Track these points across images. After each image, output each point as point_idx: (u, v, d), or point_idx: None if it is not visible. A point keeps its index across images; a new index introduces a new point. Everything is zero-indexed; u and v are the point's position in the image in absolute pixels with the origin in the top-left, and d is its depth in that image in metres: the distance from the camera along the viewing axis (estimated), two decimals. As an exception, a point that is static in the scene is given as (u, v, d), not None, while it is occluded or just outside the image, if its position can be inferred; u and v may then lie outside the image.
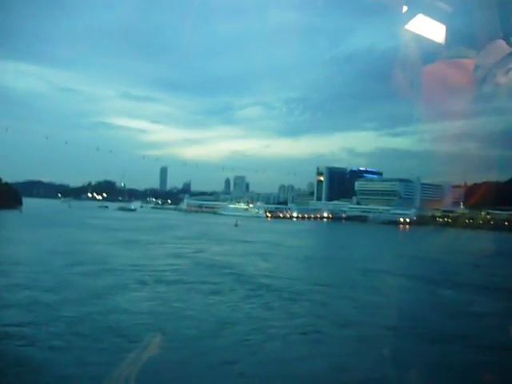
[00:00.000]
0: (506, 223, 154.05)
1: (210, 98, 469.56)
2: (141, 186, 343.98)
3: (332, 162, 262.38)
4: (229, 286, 31.38)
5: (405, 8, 4.32)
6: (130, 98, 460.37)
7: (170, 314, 23.44)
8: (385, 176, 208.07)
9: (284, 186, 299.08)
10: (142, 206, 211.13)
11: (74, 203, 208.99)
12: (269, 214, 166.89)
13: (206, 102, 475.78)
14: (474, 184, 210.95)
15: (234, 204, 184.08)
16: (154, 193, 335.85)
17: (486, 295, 32.23)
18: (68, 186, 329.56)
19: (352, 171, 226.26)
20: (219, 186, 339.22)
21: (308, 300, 28.07)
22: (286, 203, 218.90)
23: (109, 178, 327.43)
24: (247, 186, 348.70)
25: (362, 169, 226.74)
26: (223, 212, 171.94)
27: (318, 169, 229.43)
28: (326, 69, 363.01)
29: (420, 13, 4.28)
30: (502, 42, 3.71)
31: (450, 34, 4.24)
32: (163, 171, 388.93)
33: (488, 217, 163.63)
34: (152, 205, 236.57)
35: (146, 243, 56.84)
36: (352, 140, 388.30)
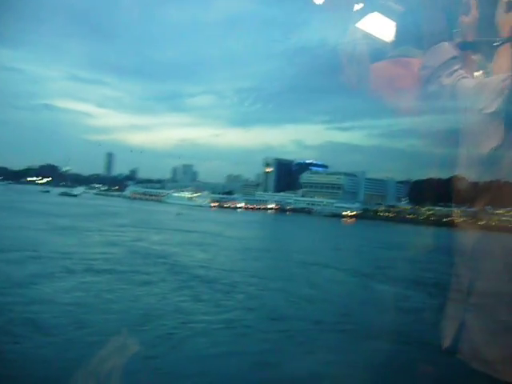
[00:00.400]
0: (445, 219, 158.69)
1: (160, 84, 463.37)
2: (86, 171, 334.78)
3: (281, 153, 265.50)
4: (161, 277, 30.49)
5: (357, 5, 4.42)
6: (77, 80, 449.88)
7: (93, 305, 22.36)
8: (332, 170, 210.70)
9: (232, 176, 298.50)
10: (85, 192, 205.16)
11: (13, 187, 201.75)
12: (214, 204, 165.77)
13: (156, 88, 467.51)
14: (418, 180, 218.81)
15: (179, 193, 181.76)
16: (100, 178, 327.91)
17: (418, 290, 32.61)
18: (7, 169, 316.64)
19: (299, 163, 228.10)
20: (166, 174, 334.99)
21: (241, 292, 27.53)
22: (232, 193, 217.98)
23: (52, 162, 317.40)
24: (195, 174, 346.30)
25: (308, 161, 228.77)
26: (168, 200, 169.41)
27: (265, 160, 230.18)
28: (278, 60, 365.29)
29: (372, 11, 4.39)
30: (447, 45, 3.81)
31: (399, 32, 4.35)
32: (109, 157, 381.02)
33: (429, 212, 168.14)
34: (96, 191, 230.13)
35: (83, 230, 54.86)
36: (302, 132, 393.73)
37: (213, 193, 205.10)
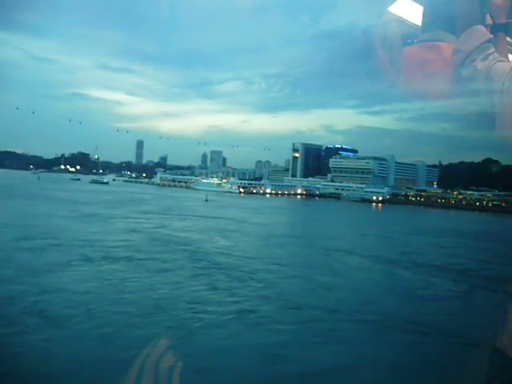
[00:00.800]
0: (478, 203, 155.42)
1: (189, 71, 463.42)
2: (116, 159, 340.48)
3: (310, 138, 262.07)
4: (179, 264, 30.05)
5: None
6: (107, 69, 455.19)
7: (106, 295, 21.99)
8: (362, 154, 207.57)
9: (261, 162, 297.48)
10: (114, 180, 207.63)
11: (45, 175, 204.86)
12: (242, 190, 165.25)
13: (185, 75, 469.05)
14: (450, 164, 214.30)
15: (208, 179, 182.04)
16: (130, 166, 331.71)
17: (443, 277, 31.41)
18: (41, 158, 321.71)
19: (328, 148, 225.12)
20: (196, 161, 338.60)
21: (259, 280, 26.77)
22: (261, 179, 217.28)
23: (83, 151, 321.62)
24: (224, 161, 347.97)
25: (337, 146, 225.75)
26: (196, 187, 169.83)
27: (293, 145, 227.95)
28: (306, 45, 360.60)
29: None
30: (481, 28, 3.83)
31: (430, 16, 4.32)
32: (139, 144, 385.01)
33: (460, 197, 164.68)
34: (126, 178, 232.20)
35: (107, 217, 54.96)
36: (331, 117, 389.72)
37: (241, 179, 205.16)
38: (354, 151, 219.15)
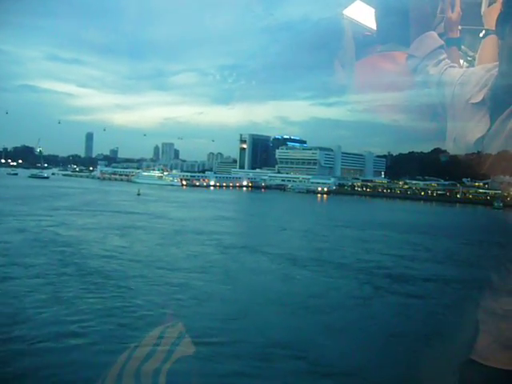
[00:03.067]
0: (423, 193, 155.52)
1: (143, 62, 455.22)
2: (66, 152, 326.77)
3: (266, 130, 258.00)
4: (36, 271, 25.37)
5: None
6: (58, 60, 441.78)
7: None
8: (318, 145, 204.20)
9: (212, 154, 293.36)
10: (53, 174, 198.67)
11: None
12: (184, 183, 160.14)
13: (138, 66, 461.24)
14: (399, 154, 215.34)
15: (149, 172, 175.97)
16: (77, 159, 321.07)
17: (348, 278, 27.97)
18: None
19: (276, 139, 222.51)
20: (149, 154, 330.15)
21: (123, 290, 22.60)
22: (212, 171, 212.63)
23: (30, 144, 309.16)
24: (177, 153, 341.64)
25: (285, 137, 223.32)
26: (137, 180, 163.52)
27: (240, 136, 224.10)
28: (260, 37, 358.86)
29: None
30: (433, 34, 4.89)
31: (384, 21, 4.80)
32: (89, 137, 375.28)
33: (406, 186, 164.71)
34: (65, 172, 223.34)
35: (5, 215, 49.52)
36: (286, 109, 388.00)
37: (189, 171, 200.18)
38: (303, 142, 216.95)
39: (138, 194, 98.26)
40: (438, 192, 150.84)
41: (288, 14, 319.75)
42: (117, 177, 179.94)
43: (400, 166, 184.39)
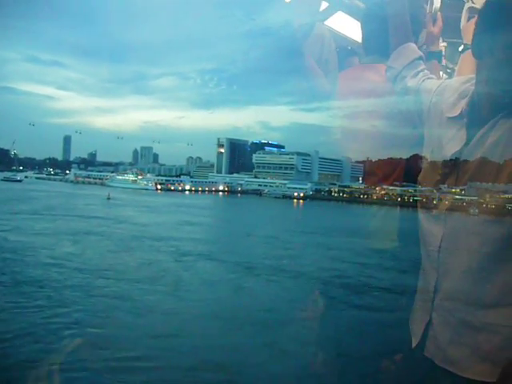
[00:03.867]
0: (399, 199, 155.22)
1: (123, 66, 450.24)
2: (45, 155, 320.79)
3: (247, 134, 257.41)
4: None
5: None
6: (37, 62, 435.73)
7: None
8: (298, 151, 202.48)
9: (192, 158, 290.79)
10: (26, 177, 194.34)
11: None
12: (159, 187, 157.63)
13: (119, 70, 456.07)
14: (378, 160, 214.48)
15: (123, 175, 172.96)
16: (54, 162, 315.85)
17: (303, 289, 26.41)
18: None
19: (254, 143, 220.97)
20: (128, 157, 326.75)
21: (52, 300, 20.88)
22: (191, 175, 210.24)
23: (3, 146, 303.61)
24: (156, 157, 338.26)
25: (264, 141, 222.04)
26: (111, 184, 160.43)
27: (218, 140, 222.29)
28: (241, 41, 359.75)
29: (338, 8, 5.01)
30: (412, 45, 4.08)
31: (365, 28, 4.81)
32: (66, 140, 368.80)
33: (382, 192, 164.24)
34: (38, 175, 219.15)
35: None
36: (267, 114, 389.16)
37: (167, 175, 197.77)
38: (281, 147, 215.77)
39: (108, 199, 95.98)
40: (415, 198, 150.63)
41: (269, 20, 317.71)
42: (91, 180, 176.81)
43: (378, 171, 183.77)
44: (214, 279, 27.80)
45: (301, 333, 19.42)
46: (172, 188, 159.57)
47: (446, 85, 3.75)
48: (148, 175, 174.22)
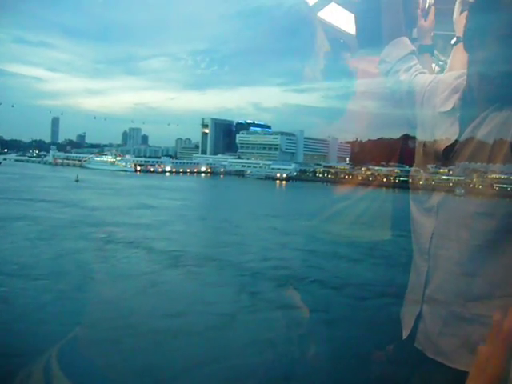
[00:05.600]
0: (385, 179, 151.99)
1: (112, 46, 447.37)
2: (34, 137, 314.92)
3: (238, 115, 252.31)
4: None
5: None
6: (25, 43, 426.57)
7: None
8: (287, 131, 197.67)
9: (181, 140, 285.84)
10: (5, 159, 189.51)
11: None
12: (138, 168, 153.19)
13: (108, 50, 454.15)
14: (368, 140, 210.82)
15: (101, 157, 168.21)
16: (41, 145, 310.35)
17: (233, 283, 22.78)
18: None
19: (239, 124, 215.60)
20: (118, 139, 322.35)
21: None
22: (176, 157, 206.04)
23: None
24: (146, 138, 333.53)
25: (249, 122, 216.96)
26: (88, 165, 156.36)
27: (202, 120, 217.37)
28: (232, 22, 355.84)
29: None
30: (405, 39, 4.01)
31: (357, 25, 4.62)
32: (54, 122, 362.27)
33: (368, 173, 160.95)
34: (16, 157, 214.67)
35: None
36: (258, 95, 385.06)
37: (153, 156, 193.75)
38: (267, 127, 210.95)
39: (77, 181, 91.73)
40: (401, 178, 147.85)
41: (260, 0, 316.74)
42: (70, 162, 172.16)
43: (367, 152, 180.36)
44: (128, 273, 23.82)
45: (205, 347, 15.74)
46: (152, 170, 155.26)
47: (439, 80, 3.70)
48: (127, 156, 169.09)
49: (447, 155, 3.52)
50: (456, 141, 3.36)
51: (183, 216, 46.81)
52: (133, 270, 24.44)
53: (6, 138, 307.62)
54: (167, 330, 16.59)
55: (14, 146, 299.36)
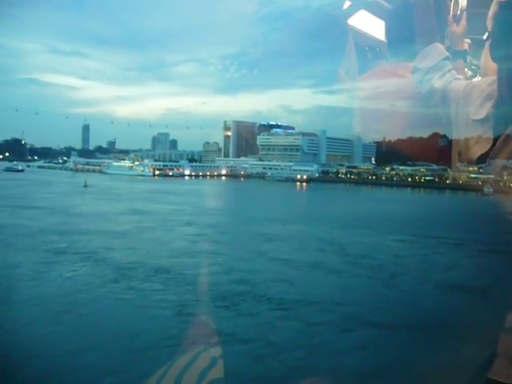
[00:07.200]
0: (410, 179, 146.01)
1: (143, 54, 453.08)
2: (64, 144, 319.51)
3: (269, 118, 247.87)
4: None
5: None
6: (58, 52, 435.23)
7: None
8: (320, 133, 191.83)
9: (208, 143, 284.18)
10: (28, 166, 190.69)
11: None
12: (156, 173, 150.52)
13: (139, 57, 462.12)
14: (398, 139, 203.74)
15: (119, 162, 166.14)
16: (71, 152, 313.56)
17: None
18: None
19: (261, 125, 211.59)
20: (148, 144, 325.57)
21: None
22: (201, 160, 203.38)
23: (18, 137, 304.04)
24: (175, 143, 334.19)
25: (272, 123, 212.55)
26: (107, 171, 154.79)
27: (225, 123, 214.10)
28: (261, 25, 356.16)
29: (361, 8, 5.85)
30: (439, 46, 4.72)
31: (388, 31, 5.75)
32: (85, 129, 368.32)
33: (392, 173, 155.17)
34: (40, 164, 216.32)
35: None
36: (288, 97, 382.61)
37: (173, 161, 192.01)
38: (290, 128, 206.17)
39: (85, 186, 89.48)
40: (427, 178, 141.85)
41: (288, 2, 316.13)
42: (90, 168, 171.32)
43: (394, 151, 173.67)
44: (50, 293, 20.32)
45: None
46: (170, 174, 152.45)
47: (474, 86, 4.18)
48: (145, 161, 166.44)
49: (480, 155, 4.50)
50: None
51: (168, 221, 43.46)
52: (60, 288, 21.08)
53: (37, 145, 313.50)
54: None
55: (45, 153, 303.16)
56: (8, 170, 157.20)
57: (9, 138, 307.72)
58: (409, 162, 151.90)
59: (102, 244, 31.01)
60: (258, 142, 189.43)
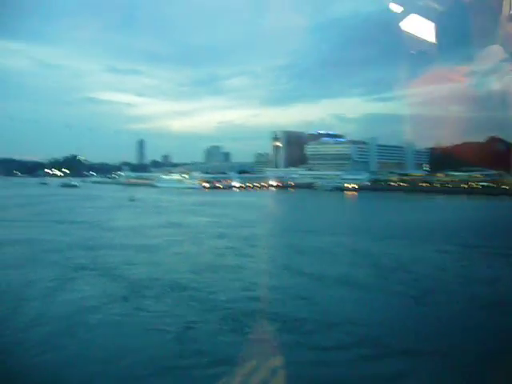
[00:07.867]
0: (465, 186, 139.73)
1: (195, 69, 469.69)
2: (121, 160, 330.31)
3: (321, 128, 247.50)
4: None
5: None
6: (115, 71, 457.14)
7: None
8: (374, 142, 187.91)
9: (260, 155, 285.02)
10: (84, 182, 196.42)
11: (18, 180, 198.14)
12: (206, 185, 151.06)
13: (192, 73, 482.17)
14: (454, 145, 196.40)
15: (169, 175, 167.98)
16: (129, 166, 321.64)
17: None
18: (37, 163, 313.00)
19: (311, 135, 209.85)
20: (202, 157, 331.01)
21: None
22: (251, 172, 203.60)
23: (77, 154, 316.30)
24: (228, 155, 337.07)
25: (321, 132, 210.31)
26: (157, 184, 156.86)
27: (274, 134, 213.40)
28: (310, 35, 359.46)
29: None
30: (496, 47, 4.36)
31: (439, 34, 5.33)
32: (140, 144, 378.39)
33: (445, 179, 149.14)
34: (95, 179, 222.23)
35: None
36: (340, 106, 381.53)
37: (221, 173, 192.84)
38: (339, 136, 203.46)
39: (132, 200, 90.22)
40: (482, 183, 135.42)
41: (337, 11, 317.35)
42: (140, 181, 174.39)
43: (449, 157, 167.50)
44: (55, 314, 19.19)
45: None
46: (220, 186, 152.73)
47: None
48: (194, 173, 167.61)
49: None
50: None
51: (200, 234, 42.43)
52: (69, 306, 20.05)
53: (94, 161, 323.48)
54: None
55: (101, 168, 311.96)
56: (64, 185, 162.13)
57: (68, 155, 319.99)
58: (463, 168, 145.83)
59: (124, 259, 30.15)
60: (307, 152, 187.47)
